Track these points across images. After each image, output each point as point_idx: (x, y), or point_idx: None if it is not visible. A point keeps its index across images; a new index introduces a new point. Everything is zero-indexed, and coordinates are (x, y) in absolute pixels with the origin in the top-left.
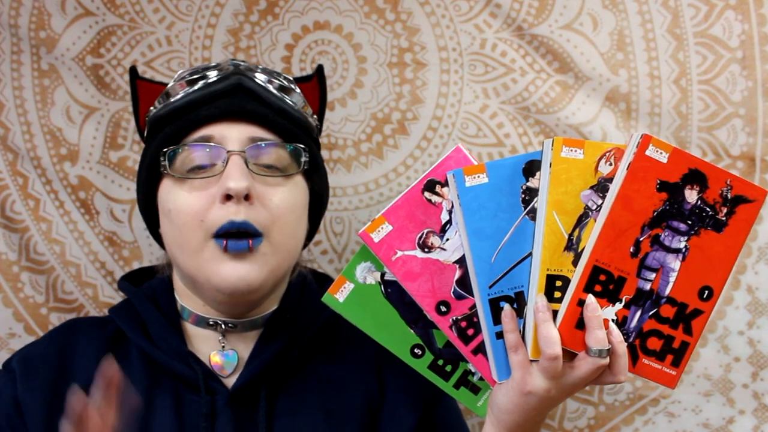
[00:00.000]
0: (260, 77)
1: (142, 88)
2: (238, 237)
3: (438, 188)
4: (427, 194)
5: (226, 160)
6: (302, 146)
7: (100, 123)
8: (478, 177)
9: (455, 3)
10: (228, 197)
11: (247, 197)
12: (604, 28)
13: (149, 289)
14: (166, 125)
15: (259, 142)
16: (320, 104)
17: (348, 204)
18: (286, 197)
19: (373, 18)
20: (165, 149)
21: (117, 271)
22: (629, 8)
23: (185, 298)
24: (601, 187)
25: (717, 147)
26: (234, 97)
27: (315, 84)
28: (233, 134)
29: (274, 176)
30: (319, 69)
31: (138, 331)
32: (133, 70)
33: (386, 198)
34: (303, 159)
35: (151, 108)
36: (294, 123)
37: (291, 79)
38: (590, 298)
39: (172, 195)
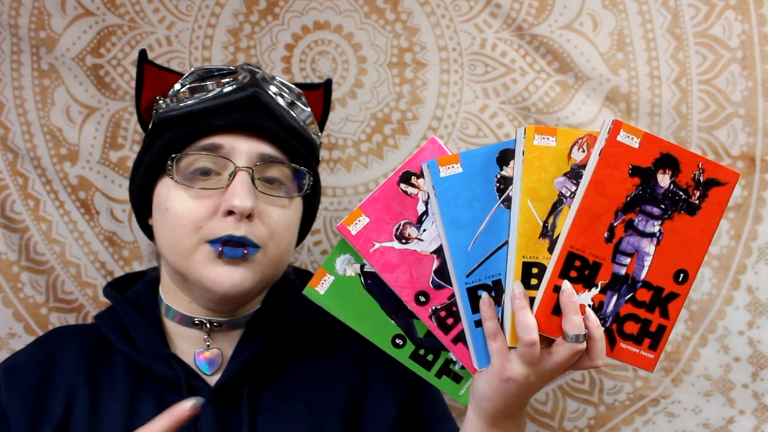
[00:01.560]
0: (273, 90)
1: (149, 74)
2: (234, 245)
3: (413, 179)
4: (402, 186)
5: (233, 174)
6: (307, 170)
7: (100, 123)
8: (453, 167)
9: (455, 3)
10: (230, 212)
11: (249, 215)
12: (604, 28)
13: (132, 295)
14: (176, 127)
15: (267, 161)
16: (323, 116)
17: (348, 204)
18: (285, 216)
19: (373, 18)
20: (174, 154)
21: (117, 271)
22: (629, 8)
23: (171, 297)
24: (575, 174)
25: (717, 147)
26: (248, 110)
27: (320, 95)
28: (243, 148)
29: (277, 196)
30: (328, 83)
31: (121, 336)
32: (142, 54)
33: None
34: (306, 182)
35: (160, 102)
36: (303, 143)
37: (299, 91)
38: (566, 284)
39: (172, 196)
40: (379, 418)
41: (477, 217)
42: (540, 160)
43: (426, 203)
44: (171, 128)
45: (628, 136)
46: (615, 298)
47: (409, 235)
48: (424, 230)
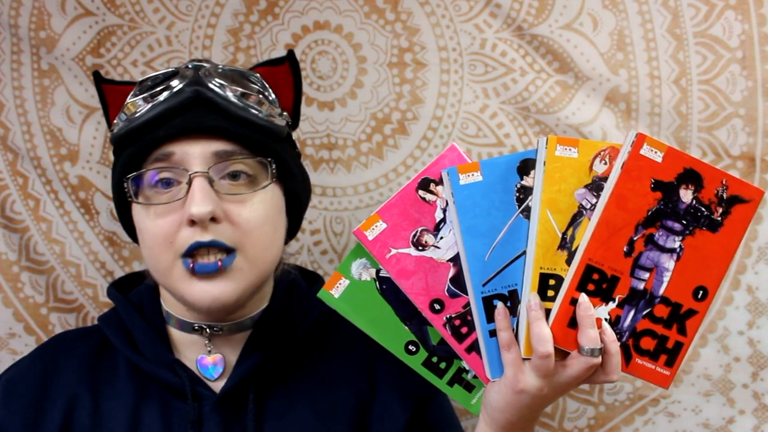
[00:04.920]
0: (218, 82)
1: (109, 92)
2: (207, 255)
3: (432, 186)
4: (421, 192)
5: (189, 181)
6: (267, 159)
7: (100, 123)
8: (473, 175)
9: (455, 3)
10: (193, 221)
11: (213, 219)
12: (604, 28)
13: (136, 296)
14: (127, 147)
15: (223, 159)
16: (295, 90)
17: (348, 204)
18: (257, 211)
19: (373, 18)
20: (128, 175)
21: (117, 271)
22: (629, 8)
23: (169, 304)
24: (596, 186)
25: (717, 147)
26: (192, 111)
27: (287, 69)
28: (195, 151)
29: (240, 193)
30: (290, 54)
31: (124, 340)
32: (96, 75)
33: (386, 198)
34: (270, 170)
35: (116, 121)
36: (258, 131)
37: (251, 73)
38: (583, 297)
39: (141, 216)
40: (388, 425)
41: (495, 226)
42: (561, 171)
43: (444, 210)
44: (125, 148)
45: (652, 150)
46: (632, 312)
47: (426, 242)
48: (441, 238)
